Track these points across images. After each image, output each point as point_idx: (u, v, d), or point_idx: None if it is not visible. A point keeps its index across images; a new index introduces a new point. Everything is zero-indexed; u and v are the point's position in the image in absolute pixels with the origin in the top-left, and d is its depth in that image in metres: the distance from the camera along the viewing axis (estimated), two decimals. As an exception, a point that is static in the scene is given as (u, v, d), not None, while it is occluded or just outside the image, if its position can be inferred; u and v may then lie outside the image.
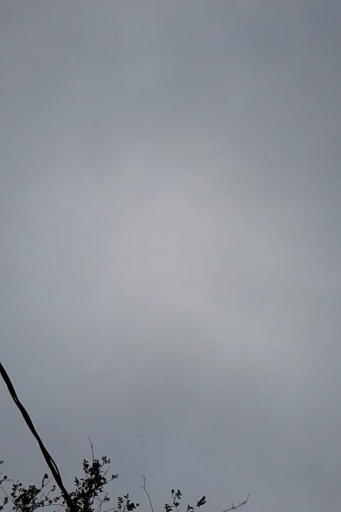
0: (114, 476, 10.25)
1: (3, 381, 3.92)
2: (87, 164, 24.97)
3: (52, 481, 9.62)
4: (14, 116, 24.38)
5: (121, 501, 9.88)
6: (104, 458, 10.39)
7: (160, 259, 24.57)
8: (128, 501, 9.86)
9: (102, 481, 10.17)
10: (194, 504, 9.45)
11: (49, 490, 9.84)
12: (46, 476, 9.91)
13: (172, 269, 24.45)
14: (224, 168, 26.19)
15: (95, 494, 10.03)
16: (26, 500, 9.88)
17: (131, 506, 9.80)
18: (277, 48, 25.91)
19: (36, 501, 9.91)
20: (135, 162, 25.28)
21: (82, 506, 9.80)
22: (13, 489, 10.00)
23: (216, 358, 21.01)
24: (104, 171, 25.06)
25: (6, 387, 3.95)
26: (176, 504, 9.49)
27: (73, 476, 10.09)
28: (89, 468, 10.26)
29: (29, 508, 9.84)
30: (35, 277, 22.79)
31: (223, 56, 26.02)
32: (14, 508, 9.81)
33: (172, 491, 9.61)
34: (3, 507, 9.84)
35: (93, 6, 25.56)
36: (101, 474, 10.23)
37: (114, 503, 9.91)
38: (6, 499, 9.88)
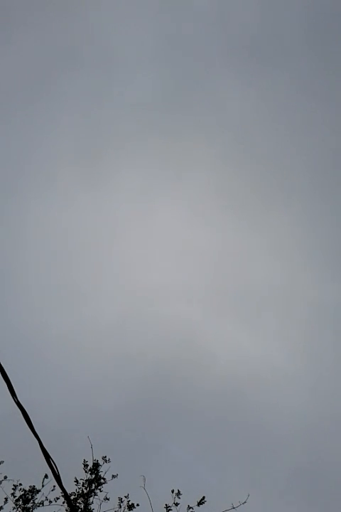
0: (114, 476, 10.25)
1: (3, 381, 3.92)
2: (84, 175, 25.06)
3: (52, 481, 9.63)
4: (8, 126, 24.44)
5: (121, 501, 9.88)
6: (104, 458, 10.39)
7: (157, 269, 24.64)
8: (128, 501, 9.86)
9: (102, 481, 10.18)
10: (194, 504, 9.46)
11: (49, 490, 9.86)
12: (46, 476, 9.92)
13: (170, 279, 24.52)
14: (221, 178, 26.25)
15: (95, 494, 10.04)
16: (26, 501, 9.88)
17: (131, 506, 9.81)
18: (275, 55, 25.96)
19: (36, 501, 9.92)
20: (132, 173, 25.39)
21: (82, 506, 9.80)
22: (13, 489, 10.01)
23: (213, 368, 21.06)
24: (100, 181, 25.15)
25: (6, 387, 3.95)
26: (176, 504, 9.50)
27: (73, 476, 10.10)
28: (89, 468, 10.27)
29: (29, 508, 9.84)
30: (33, 287, 22.84)
31: (220, 64, 26.04)
32: (14, 508, 9.81)
33: (172, 491, 9.62)
34: (3, 507, 9.84)
35: (88, 16, 25.59)
36: (101, 474, 10.24)
37: (114, 503, 9.92)
38: (6, 499, 9.89)
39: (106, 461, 10.39)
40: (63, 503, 9.58)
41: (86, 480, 10.13)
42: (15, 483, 10.10)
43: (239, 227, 25.49)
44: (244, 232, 25.44)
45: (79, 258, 24.22)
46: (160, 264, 24.82)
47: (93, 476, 10.19)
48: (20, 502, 9.88)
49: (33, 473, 9.76)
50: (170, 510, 9.43)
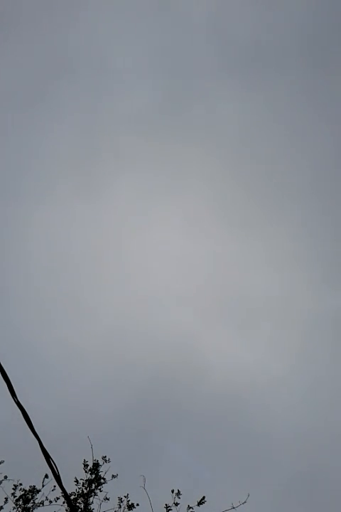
0: (113, 476, 10.26)
1: (3, 381, 3.92)
2: (80, 185, 25.17)
3: (52, 481, 9.63)
4: (3, 138, 24.49)
5: (121, 501, 9.88)
6: (104, 457, 10.39)
7: (155, 278, 24.71)
8: (128, 501, 9.86)
9: (102, 480, 10.18)
10: (194, 504, 9.46)
11: (49, 490, 9.86)
12: (46, 476, 9.92)
13: (167, 288, 24.58)
14: (216, 190, 26.35)
15: (95, 494, 10.04)
16: (26, 500, 9.89)
17: (131, 506, 9.81)
18: (272, 66, 26.01)
19: (36, 501, 9.92)
20: (127, 186, 25.54)
21: (82, 506, 9.80)
22: (14, 489, 10.01)
23: (209, 378, 21.11)
24: (96, 191, 25.28)
25: (6, 387, 3.95)
26: (176, 504, 9.50)
27: (73, 476, 10.10)
28: (89, 468, 10.27)
29: (29, 508, 9.85)
30: (32, 295, 22.88)
31: (216, 75, 26.13)
32: (14, 508, 9.82)
33: (172, 491, 9.61)
34: (4, 507, 9.85)
35: (83, 26, 25.64)
36: (101, 474, 10.24)
37: (114, 503, 9.92)
38: (6, 499, 9.89)
39: (106, 460, 10.39)
40: (63, 503, 9.59)
41: (86, 480, 10.14)
42: (15, 483, 10.11)
43: (236, 237, 25.67)
44: (240, 242, 25.62)
45: (77, 267, 24.36)
46: (157, 273, 24.95)
47: (93, 476, 10.19)
48: (21, 502, 9.88)
49: (33, 473, 9.76)
50: (170, 510, 9.43)
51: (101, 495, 10.04)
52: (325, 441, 18.39)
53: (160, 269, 24.99)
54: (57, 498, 9.74)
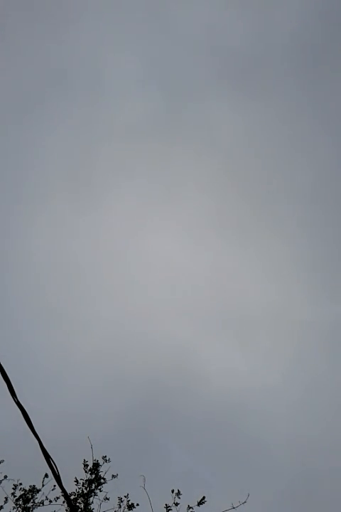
0: (113, 476, 10.25)
1: (3, 381, 3.92)
2: (76, 198, 25.27)
3: (52, 480, 9.63)
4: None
5: (121, 501, 9.88)
6: (104, 457, 10.39)
7: (148, 292, 24.78)
8: (128, 501, 9.86)
9: (102, 480, 10.17)
10: (194, 504, 9.46)
11: (49, 490, 9.86)
12: (46, 475, 9.92)
13: (163, 300, 24.65)
14: (212, 201, 26.45)
15: (95, 494, 10.03)
16: (26, 500, 9.88)
17: (131, 506, 9.80)
18: (265, 78, 26.11)
19: (36, 501, 9.92)
20: (122, 197, 25.66)
21: (82, 506, 9.80)
22: (14, 489, 10.01)
23: (205, 388, 21.14)
24: (92, 204, 25.37)
25: (6, 387, 3.95)
26: (176, 504, 9.49)
27: (73, 476, 10.10)
28: (89, 468, 10.27)
29: (29, 507, 9.85)
30: (23, 310, 22.90)
31: (210, 87, 26.27)
32: (14, 508, 9.81)
33: (172, 491, 9.61)
34: (4, 507, 9.85)
35: (77, 40, 25.70)
36: (101, 474, 10.23)
37: (114, 503, 9.91)
38: (6, 499, 9.89)
39: (106, 460, 10.39)
40: (63, 502, 9.59)
41: (86, 480, 10.13)
42: (15, 483, 10.10)
43: (233, 245, 25.79)
44: (237, 251, 25.75)
45: (75, 276, 24.41)
46: (153, 285, 25.00)
47: (93, 476, 10.19)
48: (21, 502, 9.88)
49: (33, 473, 9.76)
50: (170, 510, 9.42)
51: (101, 495, 10.05)
52: (322, 448, 18.45)
53: (158, 279, 25.11)
54: (57, 498, 9.75)
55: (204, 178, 26.33)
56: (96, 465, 10.29)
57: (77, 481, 10.09)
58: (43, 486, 9.95)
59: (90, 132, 25.69)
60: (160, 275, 25.16)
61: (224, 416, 19.33)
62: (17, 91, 24.97)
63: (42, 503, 9.87)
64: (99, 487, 10.10)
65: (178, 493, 9.59)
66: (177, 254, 25.50)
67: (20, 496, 9.93)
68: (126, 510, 9.79)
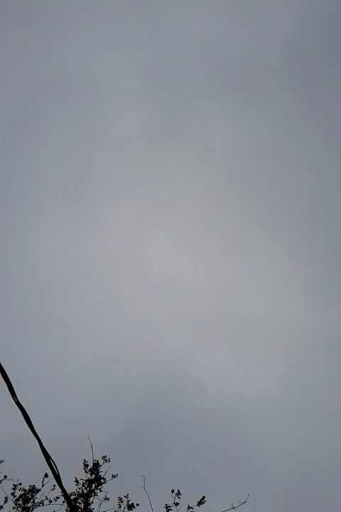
0: (113, 476, 10.25)
1: (3, 381, 3.92)
2: (71, 208, 25.35)
3: (52, 480, 9.63)
4: None
5: (121, 501, 9.87)
6: (104, 457, 10.39)
7: (145, 301, 24.81)
8: (128, 501, 9.86)
9: (102, 480, 10.17)
10: (194, 504, 9.45)
11: (49, 489, 9.86)
12: (46, 475, 9.92)
13: (158, 311, 24.71)
14: (208, 211, 26.57)
15: (95, 494, 10.03)
16: (26, 500, 9.88)
17: (131, 506, 9.80)
18: (260, 87, 26.16)
19: (36, 501, 9.92)
20: (120, 207, 25.72)
21: (82, 506, 9.80)
22: (13, 489, 10.01)
23: (201, 397, 21.16)
24: (87, 216, 25.45)
25: (6, 387, 3.95)
26: (176, 504, 9.49)
27: (73, 476, 10.09)
28: (89, 468, 10.27)
29: (29, 507, 9.84)
30: (22, 319, 22.93)
31: (206, 97, 26.33)
32: (14, 508, 9.81)
33: (172, 491, 9.61)
34: (3, 506, 9.84)
35: (73, 51, 25.74)
36: (101, 474, 10.23)
37: (114, 502, 9.91)
38: (6, 499, 9.89)
39: (106, 460, 10.39)
40: (63, 502, 9.59)
41: (86, 480, 10.13)
42: (15, 483, 10.11)
43: (228, 258, 25.83)
44: (235, 261, 25.78)
45: (68, 290, 24.45)
46: (149, 294, 25.06)
47: (93, 476, 10.19)
48: (20, 501, 9.88)
49: (33, 473, 9.77)
50: (170, 510, 9.42)
51: (101, 495, 10.04)
52: (319, 456, 18.47)
53: (155, 289, 25.15)
54: (57, 498, 9.75)
55: (201, 187, 26.50)
56: (96, 465, 10.29)
57: (77, 481, 10.08)
58: (43, 486, 9.96)
59: (87, 142, 25.82)
60: (158, 283, 25.25)
61: (221, 420, 19.41)
62: (13, 102, 25.09)
63: (42, 503, 9.87)
64: (99, 487, 10.10)
65: (178, 493, 9.59)
66: (175, 263, 25.61)
67: (20, 496, 9.93)
68: (126, 510, 9.79)
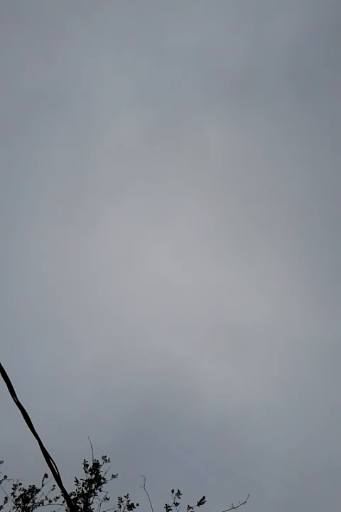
0: (113, 476, 10.25)
1: (3, 381, 3.92)
2: (68, 219, 25.40)
3: (52, 480, 9.63)
4: None
5: (121, 501, 9.87)
6: (104, 457, 10.39)
7: (143, 308, 24.85)
8: (128, 501, 9.85)
9: (102, 480, 10.17)
10: (194, 504, 9.45)
11: (49, 490, 9.86)
12: (46, 475, 9.92)
13: (155, 319, 24.73)
14: (206, 219, 26.56)
15: (95, 494, 10.03)
16: (26, 500, 9.88)
17: (131, 506, 9.80)
18: (258, 96, 26.19)
19: (36, 501, 9.92)
20: (118, 214, 25.82)
21: (82, 506, 9.80)
22: (13, 489, 10.01)
23: (200, 403, 21.19)
24: (85, 225, 25.51)
25: (6, 387, 3.95)
26: (176, 504, 9.49)
27: (73, 476, 10.09)
28: (89, 468, 10.27)
29: (29, 507, 9.84)
30: (22, 323, 22.95)
31: (203, 106, 26.38)
32: (14, 508, 9.81)
33: (172, 491, 9.60)
34: (3, 506, 9.84)
35: (70, 60, 25.78)
36: (101, 474, 10.23)
37: (114, 503, 9.91)
38: (6, 499, 9.89)
39: (106, 460, 10.39)
40: (63, 502, 9.59)
41: (86, 480, 10.13)
42: (15, 483, 10.10)
43: (227, 267, 25.85)
44: (232, 268, 25.83)
45: (66, 296, 24.49)
46: (146, 302, 25.10)
47: (93, 476, 10.18)
48: (20, 501, 9.88)
49: (33, 473, 9.77)
50: (170, 510, 9.42)
51: (101, 495, 10.04)
52: (315, 461, 18.51)
53: (152, 297, 25.21)
54: (57, 498, 9.75)
55: (199, 194, 26.57)
56: (96, 465, 10.28)
57: (77, 481, 10.08)
58: (43, 486, 9.96)
59: (82, 151, 25.89)
60: (154, 294, 25.30)
61: (220, 424, 19.45)
62: (7, 110, 25.14)
63: (42, 503, 9.87)
64: (99, 487, 10.10)
65: (178, 493, 9.59)
66: (174, 269, 25.68)
67: (20, 496, 9.93)
68: (126, 510, 9.79)
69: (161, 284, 25.48)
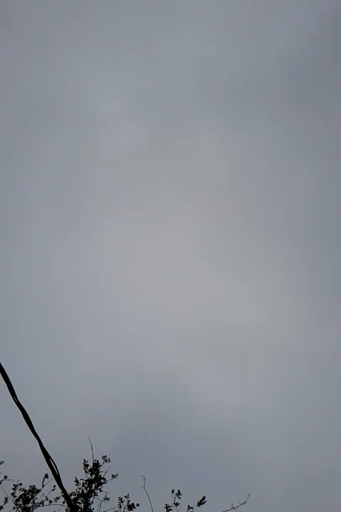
0: (113, 476, 10.25)
1: (3, 381, 3.92)
2: (64, 229, 25.46)
3: (52, 481, 9.63)
4: None
5: (121, 501, 9.88)
6: (104, 457, 10.39)
7: (142, 316, 24.88)
8: (128, 501, 9.86)
9: (102, 480, 10.17)
10: (194, 504, 9.46)
11: (49, 490, 9.86)
12: (46, 476, 9.92)
13: (154, 327, 24.76)
14: (202, 229, 26.65)
15: (95, 494, 10.03)
16: (26, 500, 9.88)
17: (131, 506, 9.80)
18: (253, 105, 26.26)
19: (36, 501, 9.92)
20: (114, 225, 25.88)
21: (82, 506, 9.80)
22: (13, 489, 10.01)
23: (195, 416, 21.19)
24: (81, 234, 25.57)
25: (6, 387, 3.95)
26: (176, 504, 9.49)
27: (73, 476, 10.10)
28: (89, 468, 10.27)
29: (29, 507, 9.84)
30: (23, 326, 22.98)
31: (198, 120, 26.47)
32: (14, 508, 9.81)
33: (172, 491, 9.61)
34: (4, 507, 9.84)
35: (67, 72, 25.86)
36: (101, 474, 10.23)
37: (114, 503, 9.91)
38: (6, 499, 9.89)
39: (106, 460, 10.39)
40: (63, 503, 9.59)
41: (86, 480, 10.13)
42: (15, 483, 10.11)
43: (221, 275, 25.92)
44: (229, 278, 25.89)
45: (67, 305, 24.52)
46: (145, 310, 25.12)
47: (93, 476, 10.19)
48: (20, 502, 9.88)
49: (33, 473, 9.77)
50: (170, 510, 9.43)
51: (101, 495, 10.05)
52: (312, 467, 18.53)
53: (150, 305, 25.24)
54: (57, 498, 9.75)
55: (195, 205, 26.67)
56: (96, 465, 10.29)
57: (77, 481, 10.09)
58: (43, 486, 9.96)
59: (79, 161, 26.00)
60: (150, 303, 25.34)
61: (218, 430, 19.47)
62: (4, 121, 25.19)
63: (42, 503, 9.87)
64: (99, 487, 10.10)
65: (178, 493, 9.59)
66: (171, 280, 25.74)
67: (20, 496, 9.93)
68: (126, 510, 9.79)
69: (160, 293, 25.56)
